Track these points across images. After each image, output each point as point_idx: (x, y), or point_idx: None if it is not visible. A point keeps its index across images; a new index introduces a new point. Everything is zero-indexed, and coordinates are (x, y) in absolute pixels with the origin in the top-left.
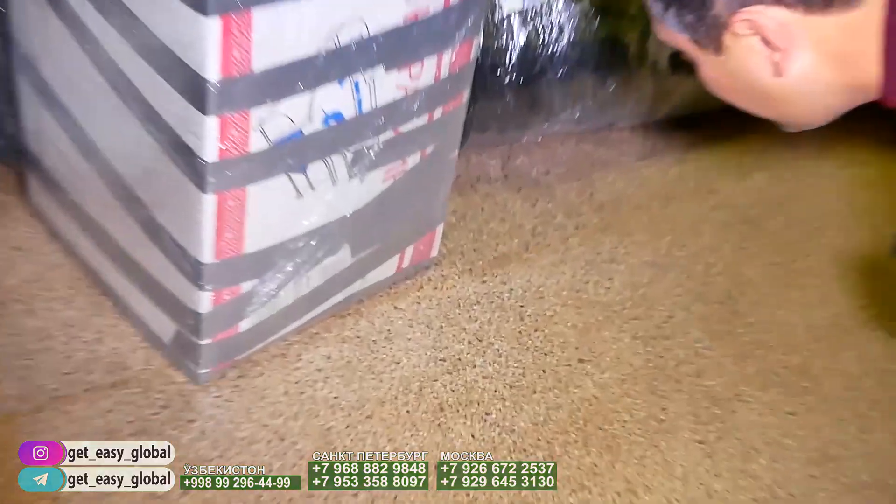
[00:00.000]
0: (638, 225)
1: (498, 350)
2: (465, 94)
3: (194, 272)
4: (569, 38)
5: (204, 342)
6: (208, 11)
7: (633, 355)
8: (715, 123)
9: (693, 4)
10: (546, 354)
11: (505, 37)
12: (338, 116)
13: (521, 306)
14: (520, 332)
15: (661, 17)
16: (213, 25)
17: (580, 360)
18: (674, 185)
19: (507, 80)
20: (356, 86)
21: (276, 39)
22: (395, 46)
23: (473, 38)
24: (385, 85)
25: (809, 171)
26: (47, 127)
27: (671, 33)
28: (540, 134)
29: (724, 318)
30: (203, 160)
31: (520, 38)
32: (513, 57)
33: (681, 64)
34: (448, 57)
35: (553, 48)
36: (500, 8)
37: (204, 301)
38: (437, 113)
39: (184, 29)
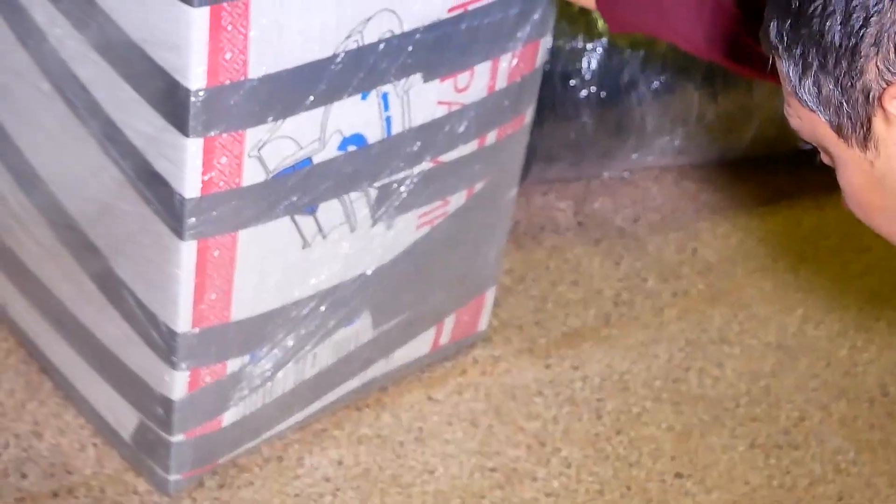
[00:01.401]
0: (758, 293)
1: (566, 458)
2: (529, 114)
3: (166, 345)
4: None
5: (176, 439)
6: (195, 0)
7: (750, 470)
8: None
9: (837, 68)
10: (631, 465)
11: (581, 36)
12: (359, 140)
13: (599, 400)
14: (596, 434)
15: (797, 87)
16: (199, 18)
17: (678, 475)
18: (807, 240)
19: (583, 94)
20: (384, 99)
21: (279, 37)
22: (436, 48)
23: (541, 39)
24: (423, 99)
25: None
26: None
27: (806, 113)
28: (627, 168)
29: (877, 421)
30: (181, 195)
31: (602, 38)
32: (592, 63)
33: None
34: (506, 63)
35: (646, 51)
36: None
37: (178, 384)
38: (491, 137)
39: (160, 22)
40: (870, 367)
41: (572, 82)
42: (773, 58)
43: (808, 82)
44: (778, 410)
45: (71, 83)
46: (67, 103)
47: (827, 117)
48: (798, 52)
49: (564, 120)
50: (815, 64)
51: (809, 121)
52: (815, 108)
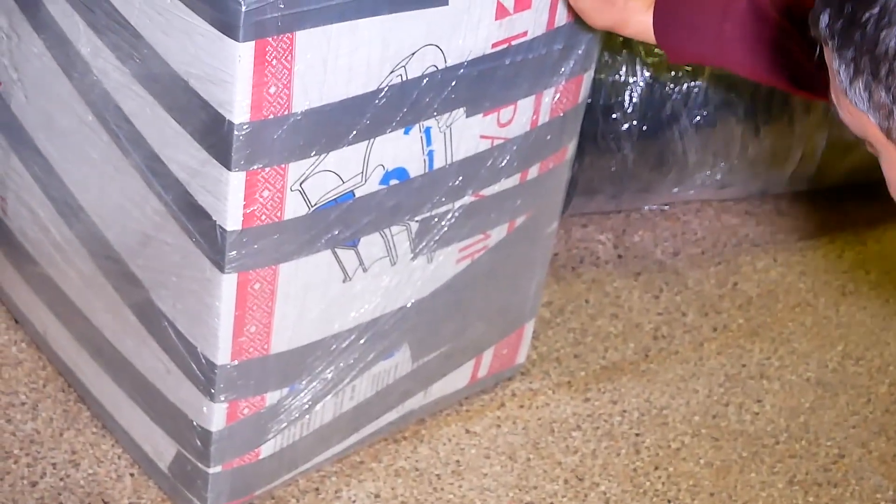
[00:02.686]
0: (798, 328)
1: (605, 493)
2: (571, 147)
3: (205, 377)
4: (710, 71)
5: (213, 470)
6: (240, 35)
7: None
8: None
9: (890, 77)
10: (670, 501)
11: (624, 68)
12: (401, 174)
13: (637, 435)
14: (634, 469)
15: (847, 88)
16: (244, 53)
17: None
18: (848, 275)
19: (625, 127)
20: (427, 134)
21: (324, 72)
22: (479, 83)
23: (584, 73)
24: (465, 133)
25: None
26: (14, 176)
27: (855, 112)
28: (667, 201)
29: None
30: (222, 228)
31: (644, 71)
32: (634, 96)
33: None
34: (549, 97)
35: (689, 84)
36: None
37: (216, 416)
38: (533, 171)
39: (205, 55)
40: None
41: (614, 115)
42: (821, 46)
43: (860, 86)
44: (817, 447)
45: (114, 115)
46: (111, 135)
47: (877, 121)
48: (849, 55)
49: (606, 153)
50: (867, 70)
51: (858, 118)
52: (865, 111)
